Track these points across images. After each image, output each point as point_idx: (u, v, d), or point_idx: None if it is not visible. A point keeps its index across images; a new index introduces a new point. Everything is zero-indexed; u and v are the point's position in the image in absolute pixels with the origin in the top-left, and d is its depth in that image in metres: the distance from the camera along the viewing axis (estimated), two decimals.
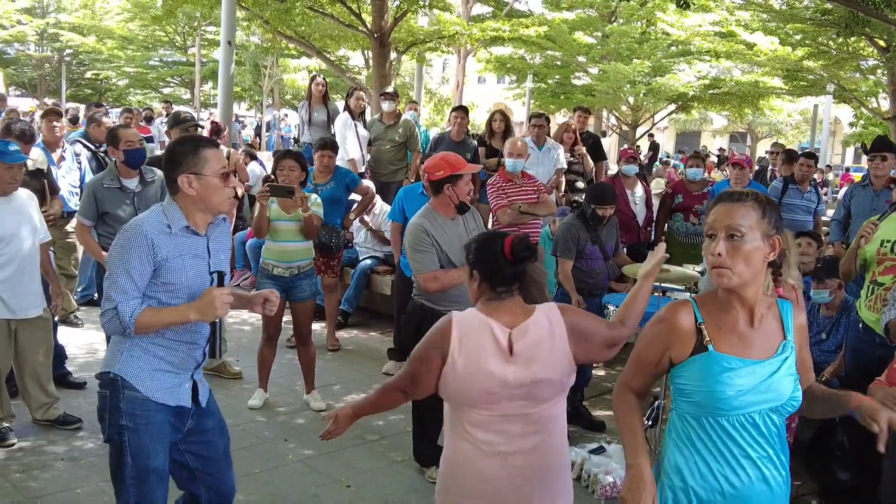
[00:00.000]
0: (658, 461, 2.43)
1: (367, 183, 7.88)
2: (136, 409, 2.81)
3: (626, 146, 11.76)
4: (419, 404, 4.76)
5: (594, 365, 5.93)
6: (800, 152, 8.36)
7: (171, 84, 35.88)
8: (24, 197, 4.73)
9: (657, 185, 10.20)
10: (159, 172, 5.28)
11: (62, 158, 6.86)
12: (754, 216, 2.17)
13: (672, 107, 23.85)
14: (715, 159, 23.42)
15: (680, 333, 2.27)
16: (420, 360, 2.62)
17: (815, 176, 8.12)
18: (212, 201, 2.86)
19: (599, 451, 4.77)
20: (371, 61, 15.17)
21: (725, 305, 2.26)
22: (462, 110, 8.45)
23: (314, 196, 5.56)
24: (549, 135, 7.87)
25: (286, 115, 29.81)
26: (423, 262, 4.15)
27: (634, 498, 2.21)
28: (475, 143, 8.41)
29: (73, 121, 12.51)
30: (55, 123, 6.95)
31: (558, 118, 22.93)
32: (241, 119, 28.64)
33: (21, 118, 5.33)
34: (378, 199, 7.88)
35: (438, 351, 2.57)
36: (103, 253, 5.01)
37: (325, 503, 4.25)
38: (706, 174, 8.55)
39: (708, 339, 2.24)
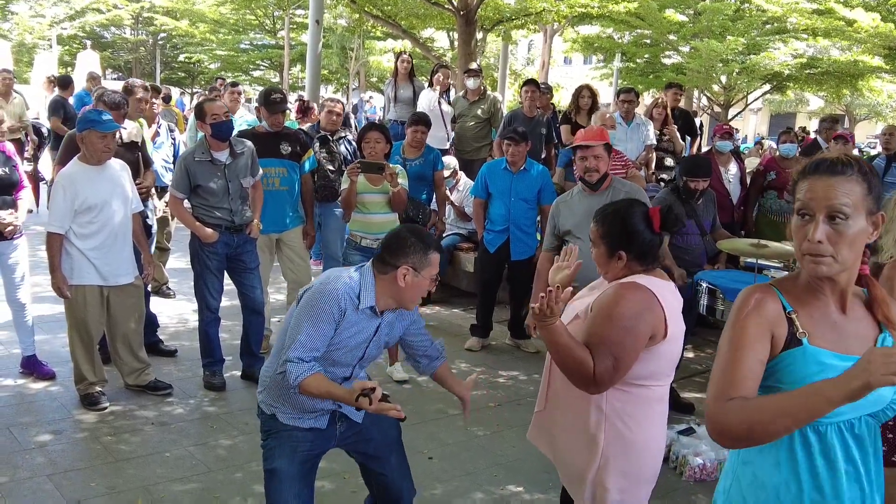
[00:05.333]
0: (726, 476, 2.06)
1: (451, 159, 7.83)
2: (269, 426, 3.02)
3: (720, 123, 11.39)
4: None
5: (685, 346, 5.75)
6: None
7: (261, 67, 36.55)
8: (117, 167, 4.84)
9: (750, 165, 9.84)
10: (249, 144, 5.34)
11: (157, 134, 7.01)
12: (859, 192, 1.78)
13: (766, 87, 23.00)
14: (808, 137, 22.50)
15: (775, 320, 1.87)
16: (637, 338, 2.39)
17: None
18: (409, 299, 2.86)
19: (688, 432, 4.62)
20: (456, 41, 15.08)
21: (813, 291, 1.89)
22: (533, 84, 8.20)
23: (400, 168, 5.54)
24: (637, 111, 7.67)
25: (371, 97, 30.00)
26: None
27: (865, 363, 1.63)
28: (549, 117, 8.25)
29: (166, 100, 12.82)
30: (153, 100, 7.11)
31: (646, 99, 22.39)
32: (364, 98, 28.87)
33: (113, 91, 5.44)
34: (462, 175, 7.82)
35: (649, 324, 2.41)
36: (196, 223, 5.10)
37: None
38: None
39: (802, 331, 1.86)
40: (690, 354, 6.47)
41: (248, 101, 14.87)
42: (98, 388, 4.90)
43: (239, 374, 5.50)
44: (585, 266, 2.76)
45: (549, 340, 2.39)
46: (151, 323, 5.80)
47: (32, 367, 5.25)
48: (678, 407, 5.25)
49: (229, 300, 5.84)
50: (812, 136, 12.76)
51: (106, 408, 4.83)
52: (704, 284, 5.03)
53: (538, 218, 6.25)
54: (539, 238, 6.18)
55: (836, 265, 1.80)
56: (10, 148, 5.10)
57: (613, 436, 2.47)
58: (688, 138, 8.78)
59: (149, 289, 5.51)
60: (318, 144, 6.59)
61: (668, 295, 2.47)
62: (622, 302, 2.39)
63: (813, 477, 1.88)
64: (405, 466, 3.25)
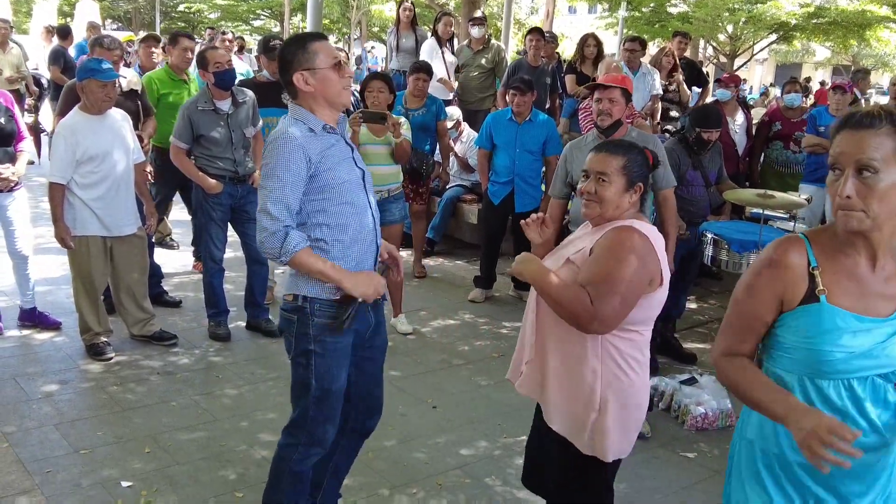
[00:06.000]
0: (741, 417, 2.12)
1: (454, 110, 7.76)
2: (324, 336, 2.80)
3: (724, 73, 11.25)
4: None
5: (688, 296, 5.75)
6: None
7: (261, 16, 36.10)
8: (118, 117, 4.79)
9: (757, 116, 9.73)
10: (250, 93, 5.28)
11: None
12: (890, 145, 1.75)
13: (772, 37, 22.67)
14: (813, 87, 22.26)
15: (792, 276, 1.88)
16: (641, 280, 2.38)
17: None
18: (331, 94, 2.76)
19: (691, 381, 4.64)
20: None
21: (844, 246, 1.88)
22: (538, 32, 8.08)
23: (402, 119, 5.49)
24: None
25: (373, 47, 29.71)
26: None
27: (815, 422, 1.72)
28: (553, 67, 8.14)
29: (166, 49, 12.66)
30: (153, 49, 7.03)
31: (652, 49, 22.10)
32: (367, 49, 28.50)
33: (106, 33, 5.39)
34: (465, 126, 7.76)
35: (648, 271, 2.40)
36: (200, 174, 5.07)
37: (412, 422, 4.27)
38: (804, 102, 8.09)
39: (822, 287, 1.86)
40: (693, 305, 6.48)
41: (242, 49, 14.62)
42: (103, 339, 4.92)
43: (244, 324, 5.51)
44: None
45: (539, 283, 2.40)
46: (156, 274, 5.80)
47: (33, 319, 5.26)
48: (681, 357, 5.28)
49: (233, 251, 5.84)
50: (818, 86, 12.63)
51: (111, 358, 4.86)
52: (710, 235, 5.01)
53: (543, 169, 6.20)
54: (544, 190, 6.14)
55: (867, 220, 1.77)
56: (8, 97, 5.05)
57: (611, 380, 2.47)
58: (695, 89, 8.68)
59: (153, 240, 5.50)
60: None
61: (658, 240, 2.49)
62: (625, 244, 2.38)
63: None
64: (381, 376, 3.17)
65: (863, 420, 1.89)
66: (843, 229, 1.84)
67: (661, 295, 2.48)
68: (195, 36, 6.63)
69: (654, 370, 4.78)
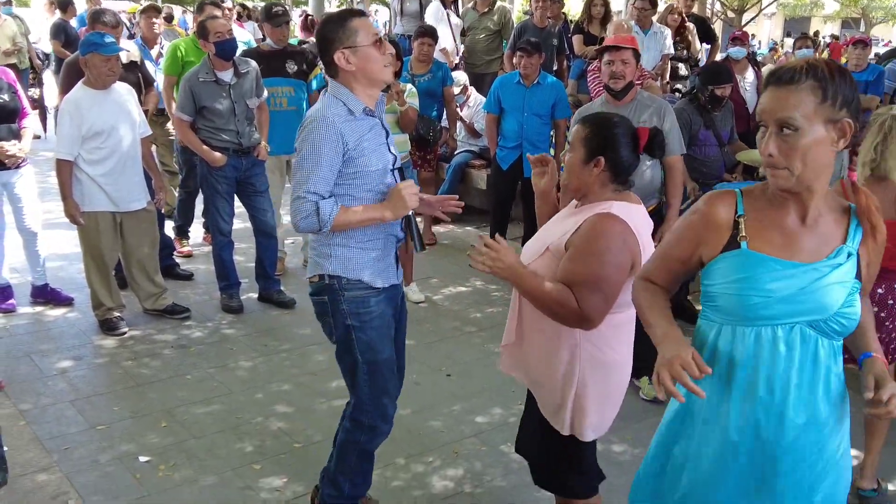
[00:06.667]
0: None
1: (461, 75, 7.66)
2: (358, 308, 2.79)
3: (735, 29, 11.08)
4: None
5: None
6: None
7: None
8: (123, 91, 4.75)
9: (765, 72, 9.61)
10: (253, 64, 5.22)
11: (160, 55, 6.87)
12: (811, 102, 1.71)
13: None
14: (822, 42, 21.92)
15: (714, 227, 1.90)
16: (622, 271, 2.32)
17: None
18: (372, 71, 2.72)
19: None
20: None
21: (776, 200, 1.86)
22: None
23: (409, 86, 5.41)
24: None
25: (377, 10, 29.35)
26: None
27: (674, 353, 1.77)
28: (560, 28, 8.01)
29: (168, 19, 12.53)
30: (154, 20, 6.94)
31: (660, 6, 21.74)
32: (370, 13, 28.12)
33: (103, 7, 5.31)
34: (472, 90, 7.66)
35: (629, 256, 2.34)
36: (205, 147, 5.03)
37: (425, 390, 4.27)
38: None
39: (743, 234, 1.86)
40: None
41: (241, 16, 14.44)
42: (116, 314, 4.92)
43: (256, 296, 5.51)
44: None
45: (524, 290, 2.36)
46: (167, 246, 5.80)
47: (45, 295, 5.27)
48: (694, 320, 5.24)
49: (242, 222, 5.81)
50: (830, 40, 12.44)
51: (125, 333, 4.87)
52: None
53: (552, 133, 6.13)
54: (553, 153, 6.08)
55: (791, 178, 1.76)
56: (10, 75, 5.00)
57: (588, 360, 2.44)
58: (705, 45, 8.56)
59: (163, 212, 5.49)
60: (321, 62, 6.42)
61: (640, 222, 2.41)
62: (603, 236, 2.31)
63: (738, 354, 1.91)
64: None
65: (795, 375, 1.87)
66: (772, 187, 1.84)
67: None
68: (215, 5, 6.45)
69: None
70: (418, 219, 6.55)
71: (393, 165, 2.84)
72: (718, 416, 1.95)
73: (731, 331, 1.89)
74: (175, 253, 6.16)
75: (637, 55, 4.24)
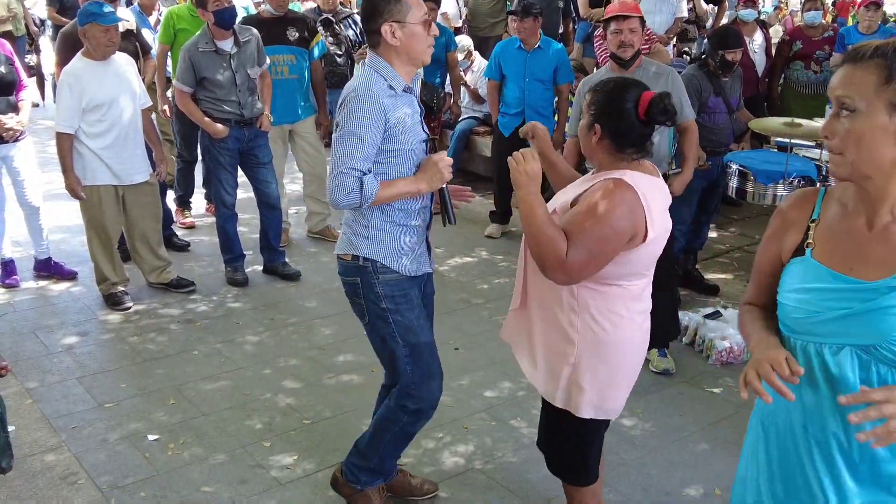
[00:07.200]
0: None
1: (465, 39, 7.54)
2: (393, 291, 2.75)
3: None
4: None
5: (710, 225, 5.64)
6: None
7: None
8: (123, 62, 4.66)
9: (774, 34, 9.45)
10: (254, 31, 5.12)
11: (158, 22, 6.74)
12: (872, 82, 1.52)
13: None
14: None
15: (790, 229, 1.77)
16: (618, 237, 2.26)
17: None
18: (416, 51, 2.65)
19: (715, 315, 4.59)
20: None
21: (849, 201, 1.69)
22: None
23: None
24: None
25: None
26: None
27: (762, 355, 1.64)
28: None
29: None
30: None
31: None
32: None
33: None
34: (477, 55, 7.55)
35: (631, 227, 2.27)
36: (206, 119, 4.95)
37: None
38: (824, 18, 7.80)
39: (810, 240, 1.71)
40: (714, 234, 6.38)
41: None
42: (121, 288, 4.88)
43: (261, 268, 5.47)
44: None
45: (525, 210, 2.28)
46: (166, 217, 5.74)
47: (49, 269, 5.23)
48: (703, 289, 5.22)
49: (245, 192, 5.75)
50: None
51: (130, 307, 4.83)
52: (735, 166, 4.86)
53: (555, 99, 6.04)
54: (557, 120, 5.99)
55: (845, 165, 1.59)
56: (6, 46, 4.90)
57: (586, 334, 2.41)
58: (711, 8, 8.41)
59: (164, 182, 5.42)
60: (321, 28, 6.31)
61: (654, 194, 2.34)
62: (609, 200, 2.26)
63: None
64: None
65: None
66: (831, 175, 1.72)
67: (647, 249, 2.35)
68: None
69: (677, 303, 4.73)
70: None
71: (426, 144, 2.79)
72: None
73: (795, 345, 1.74)
74: (179, 224, 6.11)
75: (643, 21, 4.17)
